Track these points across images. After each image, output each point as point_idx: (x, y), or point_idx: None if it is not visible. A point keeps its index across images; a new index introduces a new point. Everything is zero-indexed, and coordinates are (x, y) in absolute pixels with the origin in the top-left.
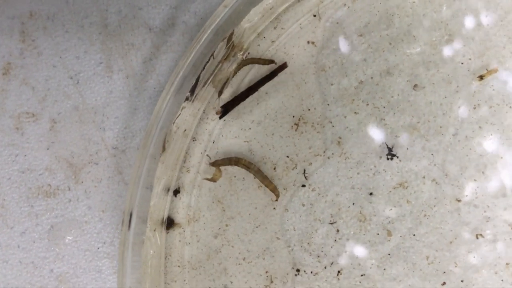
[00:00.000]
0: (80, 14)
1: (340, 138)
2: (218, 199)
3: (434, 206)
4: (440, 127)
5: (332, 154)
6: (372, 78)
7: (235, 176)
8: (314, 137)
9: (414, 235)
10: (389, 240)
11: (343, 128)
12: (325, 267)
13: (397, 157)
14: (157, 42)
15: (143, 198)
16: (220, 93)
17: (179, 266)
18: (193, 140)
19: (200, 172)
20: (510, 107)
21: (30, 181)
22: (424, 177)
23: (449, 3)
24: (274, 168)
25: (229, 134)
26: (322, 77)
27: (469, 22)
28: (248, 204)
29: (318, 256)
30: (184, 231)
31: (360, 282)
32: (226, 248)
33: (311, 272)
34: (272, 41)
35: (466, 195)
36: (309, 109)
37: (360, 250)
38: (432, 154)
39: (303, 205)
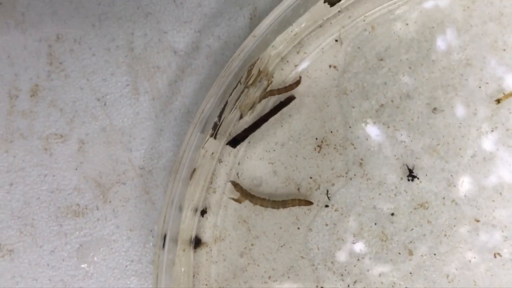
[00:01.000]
0: (106, 37)
1: (361, 159)
2: (244, 218)
3: (454, 226)
4: (459, 149)
5: (354, 175)
6: (392, 101)
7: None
8: (336, 159)
9: (434, 254)
10: (410, 259)
11: (364, 150)
12: (348, 286)
13: (418, 178)
14: (182, 64)
15: (174, 220)
16: (241, 117)
17: (206, 284)
18: (219, 162)
19: (226, 193)
20: None
21: (59, 200)
22: (444, 198)
23: (466, 29)
24: (298, 189)
25: (254, 156)
26: (343, 100)
27: (485, 46)
28: (272, 224)
29: (342, 275)
30: (211, 250)
31: None
32: (252, 267)
33: None
34: (295, 65)
35: (485, 215)
36: (331, 131)
37: (382, 269)
38: (451, 175)
39: (326, 224)
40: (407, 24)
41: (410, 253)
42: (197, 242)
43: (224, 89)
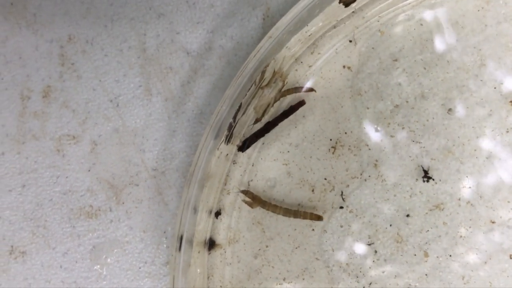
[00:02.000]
0: (118, 38)
1: (376, 161)
2: (258, 220)
3: (470, 227)
4: (474, 150)
5: (369, 176)
6: (407, 101)
7: (274, 198)
8: (351, 160)
9: (450, 255)
10: (426, 261)
11: (379, 151)
12: (363, 287)
13: (433, 179)
14: (194, 65)
15: (190, 222)
16: (257, 120)
17: (221, 286)
18: (233, 163)
19: (240, 195)
20: None
21: (71, 202)
22: (459, 199)
23: (481, 29)
24: (312, 190)
25: (268, 157)
26: (358, 100)
27: (500, 47)
28: (287, 225)
29: (357, 277)
30: (225, 252)
31: None
32: (266, 269)
33: None
34: (309, 66)
35: (500, 217)
36: (345, 132)
37: (397, 271)
38: (466, 176)
39: (341, 226)
40: (421, 25)
41: (426, 254)
42: (211, 244)
43: (239, 91)
